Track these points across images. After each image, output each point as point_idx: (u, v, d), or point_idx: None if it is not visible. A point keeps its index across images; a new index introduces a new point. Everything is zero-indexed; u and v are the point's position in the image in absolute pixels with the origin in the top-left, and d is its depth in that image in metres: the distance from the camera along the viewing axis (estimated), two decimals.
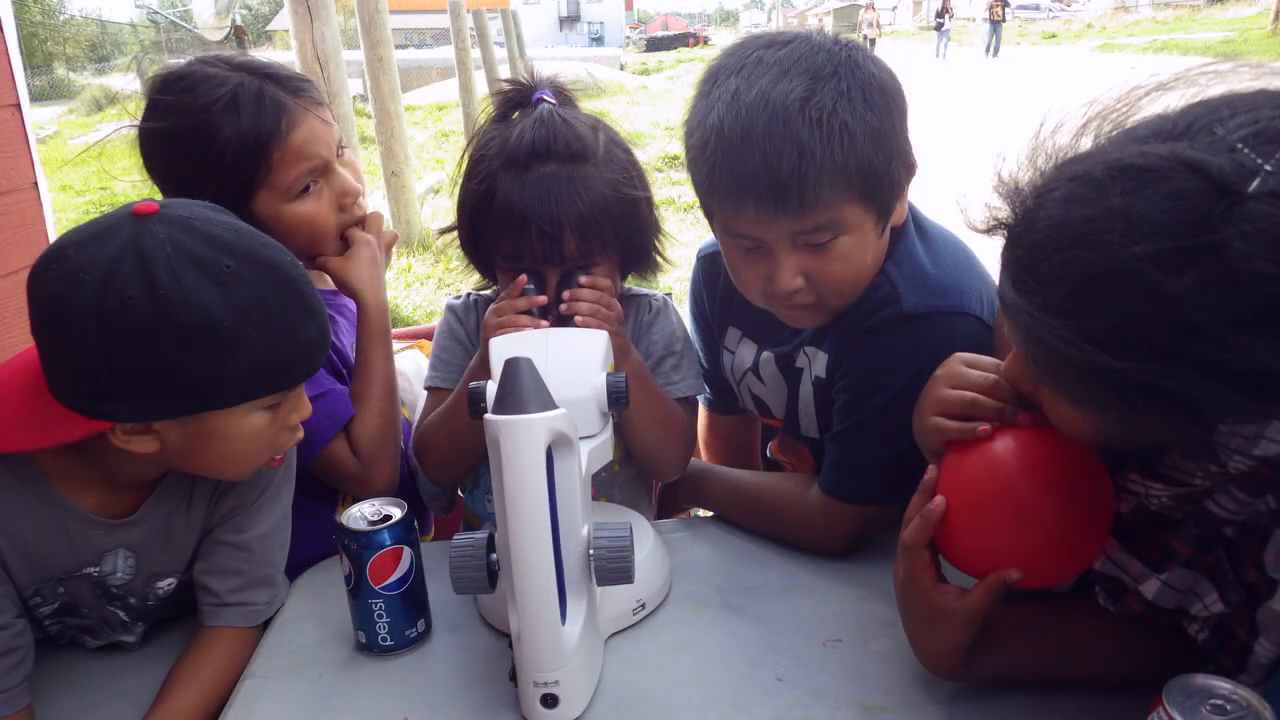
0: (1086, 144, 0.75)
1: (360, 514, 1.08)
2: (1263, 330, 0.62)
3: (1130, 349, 0.66)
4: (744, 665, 1.04)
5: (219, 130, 1.22)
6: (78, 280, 0.91)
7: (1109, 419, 0.74)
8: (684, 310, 1.49)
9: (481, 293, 1.39)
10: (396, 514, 1.08)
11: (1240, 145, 0.64)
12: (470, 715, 0.99)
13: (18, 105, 1.90)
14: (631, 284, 1.40)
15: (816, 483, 1.24)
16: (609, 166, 1.22)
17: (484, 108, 1.32)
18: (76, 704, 1.13)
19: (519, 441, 0.87)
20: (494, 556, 0.95)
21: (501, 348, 1.06)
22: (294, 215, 1.29)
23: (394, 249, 1.50)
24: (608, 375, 1.04)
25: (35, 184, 1.94)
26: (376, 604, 1.07)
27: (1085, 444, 0.86)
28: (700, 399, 1.51)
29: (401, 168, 6.72)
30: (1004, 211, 0.77)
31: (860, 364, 1.19)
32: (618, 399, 1.03)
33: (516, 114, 1.27)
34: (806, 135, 1.03)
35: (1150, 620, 0.92)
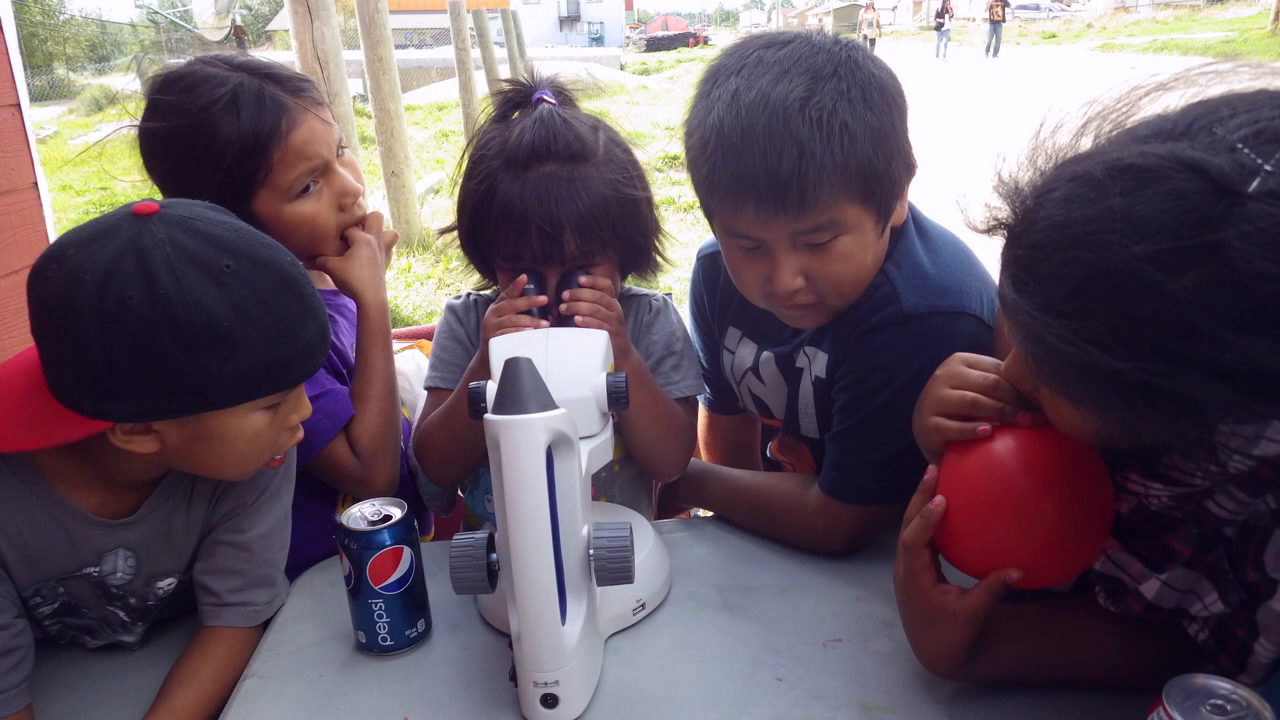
0: (1086, 144, 0.75)
1: (360, 514, 1.08)
2: (1263, 330, 0.62)
3: (1130, 349, 0.66)
4: (744, 665, 1.04)
5: (219, 130, 1.22)
6: (78, 280, 0.92)
7: (1109, 419, 0.74)
8: (684, 310, 1.49)
9: (481, 293, 1.39)
10: (396, 514, 1.08)
11: (1240, 145, 0.64)
12: (470, 715, 0.99)
13: (18, 105, 1.90)
14: (631, 284, 1.40)
15: (816, 483, 1.24)
16: (609, 166, 1.22)
17: (484, 108, 1.32)
18: (76, 704, 1.13)
19: (519, 441, 0.87)
20: (494, 556, 0.95)
21: (501, 348, 1.06)
22: (294, 215, 1.29)
23: (394, 249, 1.50)
24: (608, 375, 1.04)
25: (35, 184, 1.94)
26: (376, 604, 1.07)
27: (1085, 444, 0.86)
28: (700, 399, 1.51)
29: (401, 168, 6.72)
30: (1004, 211, 0.77)
31: (860, 364, 1.19)
32: (618, 399, 1.03)
33: (516, 114, 1.27)
34: (806, 135, 1.03)
35: (1150, 620, 0.92)
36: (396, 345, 1.43)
